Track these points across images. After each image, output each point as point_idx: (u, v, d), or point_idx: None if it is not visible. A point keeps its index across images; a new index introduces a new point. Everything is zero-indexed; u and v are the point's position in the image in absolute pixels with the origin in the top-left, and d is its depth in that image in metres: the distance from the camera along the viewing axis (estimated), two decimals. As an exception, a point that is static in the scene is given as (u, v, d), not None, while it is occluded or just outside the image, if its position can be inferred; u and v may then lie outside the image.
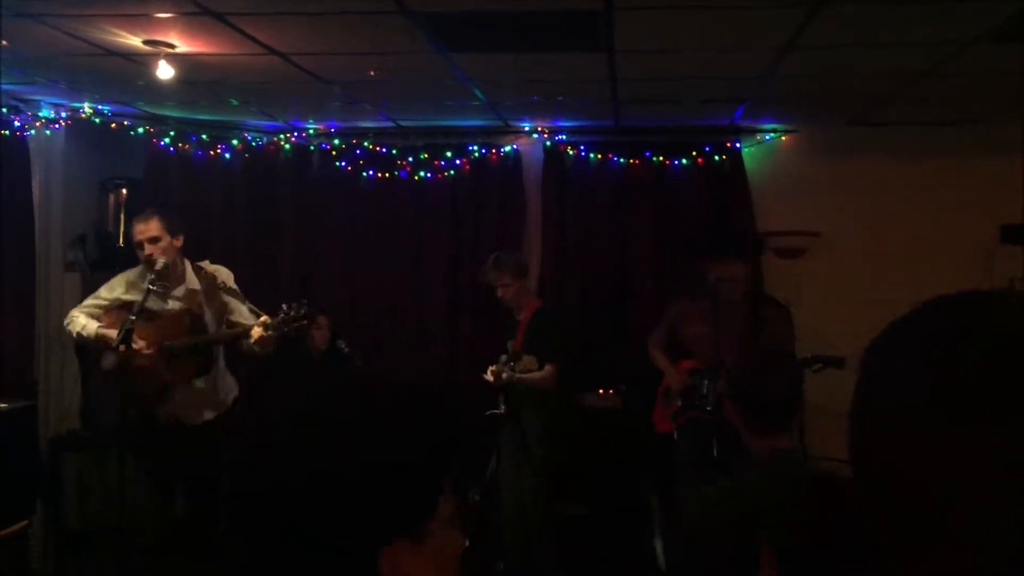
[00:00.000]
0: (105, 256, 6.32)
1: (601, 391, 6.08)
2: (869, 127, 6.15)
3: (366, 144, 6.67)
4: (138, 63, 4.70)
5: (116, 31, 4.22)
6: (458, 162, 6.63)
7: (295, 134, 6.73)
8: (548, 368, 5.20)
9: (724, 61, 4.69)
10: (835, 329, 5.62)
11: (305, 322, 4.69)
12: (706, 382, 5.08)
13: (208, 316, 4.81)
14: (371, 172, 6.69)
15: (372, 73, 4.97)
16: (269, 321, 4.62)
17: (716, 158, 6.43)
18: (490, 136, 6.63)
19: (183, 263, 4.81)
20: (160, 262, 4.59)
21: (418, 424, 1.20)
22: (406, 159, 6.65)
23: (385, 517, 1.13)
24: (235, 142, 6.69)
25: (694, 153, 6.44)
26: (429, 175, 6.66)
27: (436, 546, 1.16)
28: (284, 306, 4.68)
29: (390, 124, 6.56)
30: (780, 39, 4.20)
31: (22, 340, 5.93)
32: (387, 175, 6.69)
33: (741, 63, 4.72)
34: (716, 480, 3.76)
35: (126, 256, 6.03)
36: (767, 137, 6.46)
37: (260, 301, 5.19)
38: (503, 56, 4.67)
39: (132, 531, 4.88)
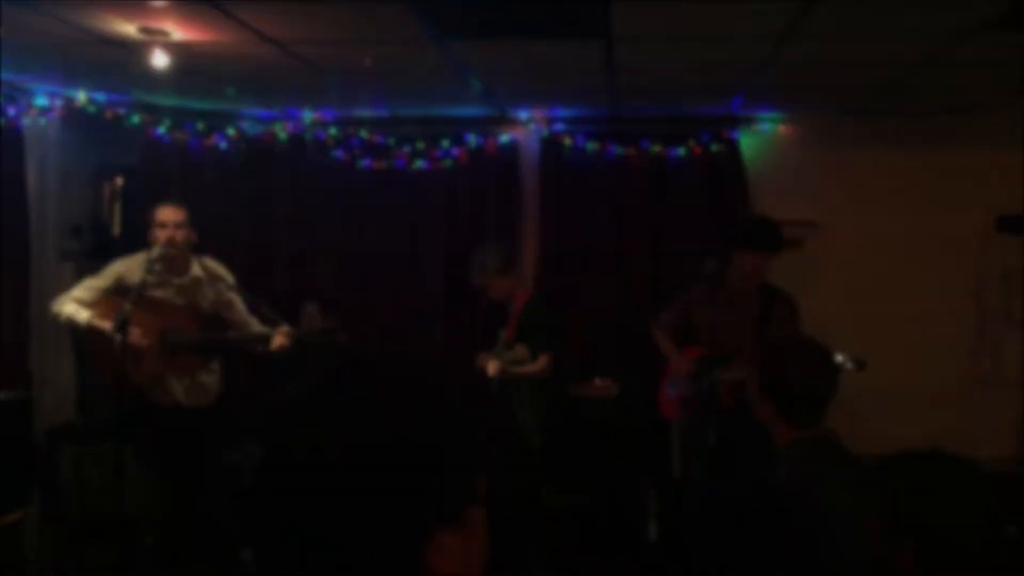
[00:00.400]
0: (100, 245, 6.30)
1: (598, 380, 6.06)
2: (867, 116, 6.13)
3: (362, 133, 6.65)
4: (133, 51, 4.68)
5: (111, 19, 4.20)
6: (455, 152, 6.61)
7: (291, 123, 6.70)
8: (542, 358, 5.20)
9: (722, 50, 4.68)
10: (832, 321, 5.61)
11: (331, 335, 4.81)
12: (716, 370, 5.04)
13: (208, 309, 4.87)
14: (367, 161, 6.67)
15: (368, 62, 4.95)
16: (291, 331, 4.78)
17: (713, 147, 6.42)
18: (487, 125, 6.61)
19: (189, 254, 4.89)
20: (162, 245, 4.68)
21: (455, 406, 1.18)
22: (402, 149, 6.63)
23: (433, 503, 1.11)
24: (231, 131, 6.66)
25: (691, 143, 6.43)
26: (426, 165, 6.63)
27: (476, 524, 1.15)
28: (307, 308, 4.75)
29: (387, 113, 6.54)
30: (778, 28, 4.19)
31: (17, 330, 5.91)
32: (383, 164, 6.66)
33: (739, 52, 4.70)
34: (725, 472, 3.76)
35: (121, 245, 6.03)
36: (764, 127, 6.44)
37: (256, 289, 5.21)
38: (500, 44, 4.65)
39: (129, 522, 4.89)
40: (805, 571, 2.56)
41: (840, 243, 6.24)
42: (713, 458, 4.59)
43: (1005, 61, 4.70)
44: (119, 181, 6.49)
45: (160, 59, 4.56)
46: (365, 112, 6.54)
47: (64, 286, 6.10)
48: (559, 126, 6.54)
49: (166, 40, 4.45)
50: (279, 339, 4.76)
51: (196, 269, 4.90)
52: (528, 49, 4.75)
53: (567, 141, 6.53)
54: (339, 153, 6.67)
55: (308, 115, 6.62)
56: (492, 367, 5.22)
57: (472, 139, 6.59)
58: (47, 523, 5.64)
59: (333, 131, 6.66)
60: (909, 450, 2.17)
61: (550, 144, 6.56)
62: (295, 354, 4.86)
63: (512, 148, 6.62)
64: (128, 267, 4.81)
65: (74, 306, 4.69)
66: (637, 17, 4.09)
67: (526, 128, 6.59)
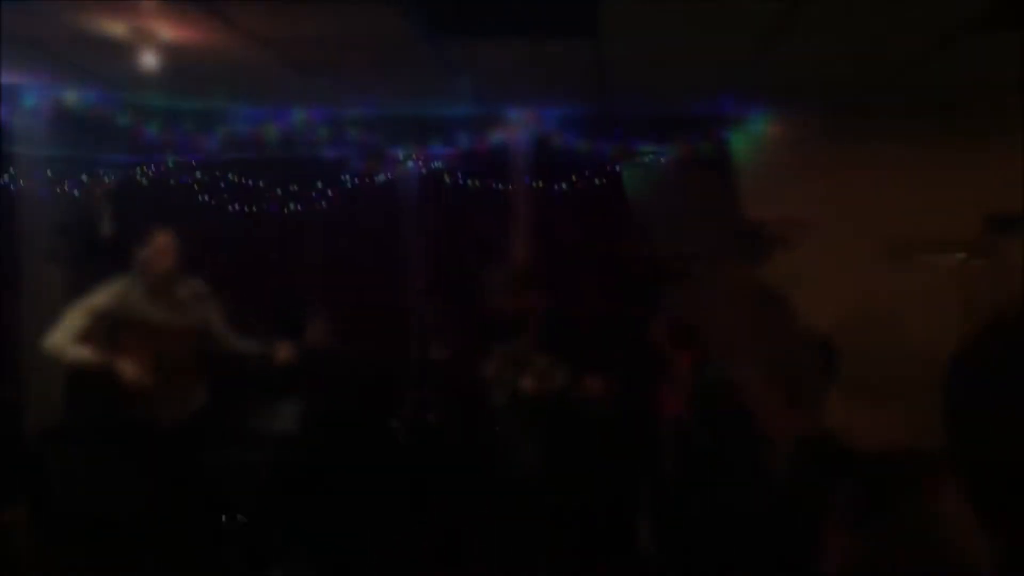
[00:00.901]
0: (89, 246, 6.28)
1: (597, 380, 6.02)
2: (856, 115, 6.12)
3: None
4: (122, 51, 4.65)
5: (101, 19, 4.18)
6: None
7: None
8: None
9: (712, 48, 4.67)
10: (824, 319, 5.61)
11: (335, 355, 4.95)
12: (714, 371, 5.03)
13: (199, 327, 4.95)
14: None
15: (358, 59, 4.94)
16: (293, 346, 5.02)
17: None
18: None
19: (177, 276, 4.95)
20: (155, 271, 4.81)
21: None
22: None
23: None
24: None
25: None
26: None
27: None
28: (313, 323, 5.09)
29: (377, 112, 6.52)
30: (769, 26, 4.19)
31: (7, 330, 5.89)
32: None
33: (730, 50, 4.70)
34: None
35: (109, 246, 6.02)
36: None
37: (247, 290, 5.23)
38: (490, 41, 4.63)
39: (117, 523, 4.88)
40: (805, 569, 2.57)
41: (831, 242, 6.21)
42: (711, 458, 4.58)
43: (1000, 59, 4.69)
44: (108, 181, 6.46)
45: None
46: (355, 111, 6.52)
47: (53, 286, 6.11)
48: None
49: (155, 41, 4.42)
50: (283, 353, 4.96)
51: (184, 290, 4.97)
52: (520, 48, 4.73)
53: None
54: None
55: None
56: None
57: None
58: (38, 523, 5.62)
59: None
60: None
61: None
62: (291, 368, 4.96)
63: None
64: (113, 291, 4.85)
65: (71, 345, 4.69)
66: (627, 15, 4.09)
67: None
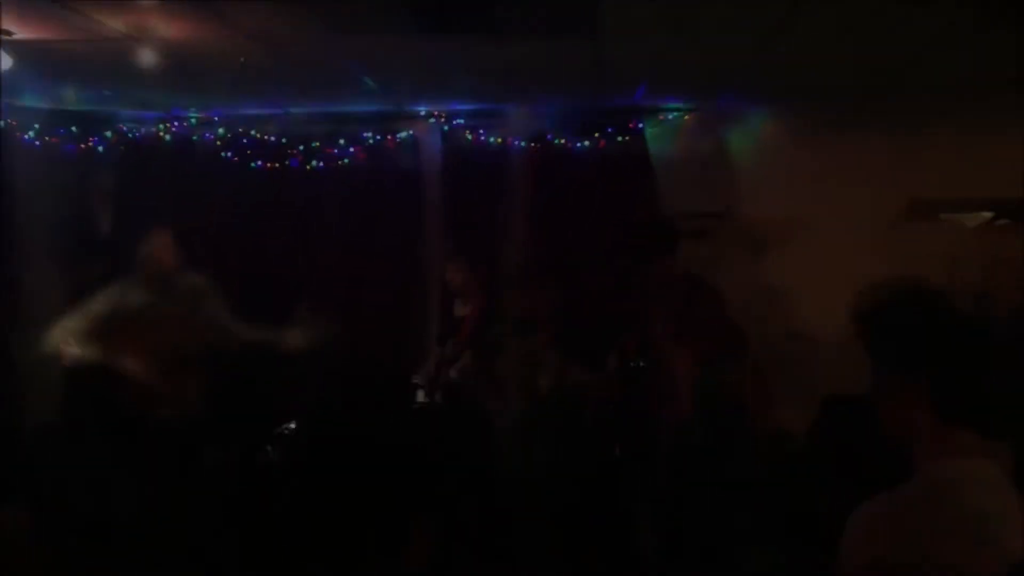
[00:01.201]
0: (87, 243, 6.28)
1: (599, 379, 6.02)
2: (849, 111, 6.10)
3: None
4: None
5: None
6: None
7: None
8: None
9: (707, 47, 4.66)
10: (812, 313, 5.61)
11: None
12: (714, 370, 5.02)
13: (200, 322, 5.00)
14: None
15: (352, 55, 4.93)
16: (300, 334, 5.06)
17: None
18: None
19: (176, 273, 5.06)
20: (155, 270, 4.93)
21: None
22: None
23: None
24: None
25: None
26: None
27: None
28: (305, 315, 5.08)
29: (370, 110, 6.52)
30: (765, 25, 4.19)
31: (2, 327, 5.88)
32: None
33: (729, 50, 4.70)
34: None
35: (108, 243, 6.03)
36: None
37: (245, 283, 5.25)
38: (487, 38, 4.60)
39: (117, 523, 4.89)
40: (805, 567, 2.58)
41: (824, 238, 6.18)
42: (711, 457, 4.60)
43: (998, 53, 4.70)
44: (105, 178, 6.46)
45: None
46: (348, 109, 6.50)
47: (50, 283, 6.10)
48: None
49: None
50: (290, 343, 4.99)
51: (184, 286, 5.06)
52: (520, 46, 4.72)
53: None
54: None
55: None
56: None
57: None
58: (36, 523, 5.62)
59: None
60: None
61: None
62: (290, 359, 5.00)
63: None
64: (112, 297, 4.92)
65: (65, 340, 4.77)
66: (621, 14, 4.08)
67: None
